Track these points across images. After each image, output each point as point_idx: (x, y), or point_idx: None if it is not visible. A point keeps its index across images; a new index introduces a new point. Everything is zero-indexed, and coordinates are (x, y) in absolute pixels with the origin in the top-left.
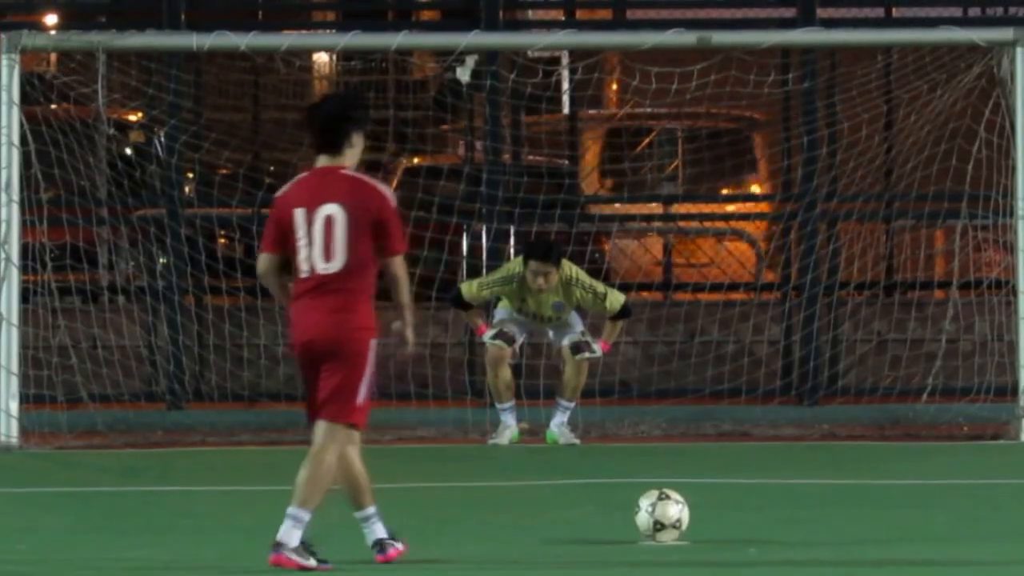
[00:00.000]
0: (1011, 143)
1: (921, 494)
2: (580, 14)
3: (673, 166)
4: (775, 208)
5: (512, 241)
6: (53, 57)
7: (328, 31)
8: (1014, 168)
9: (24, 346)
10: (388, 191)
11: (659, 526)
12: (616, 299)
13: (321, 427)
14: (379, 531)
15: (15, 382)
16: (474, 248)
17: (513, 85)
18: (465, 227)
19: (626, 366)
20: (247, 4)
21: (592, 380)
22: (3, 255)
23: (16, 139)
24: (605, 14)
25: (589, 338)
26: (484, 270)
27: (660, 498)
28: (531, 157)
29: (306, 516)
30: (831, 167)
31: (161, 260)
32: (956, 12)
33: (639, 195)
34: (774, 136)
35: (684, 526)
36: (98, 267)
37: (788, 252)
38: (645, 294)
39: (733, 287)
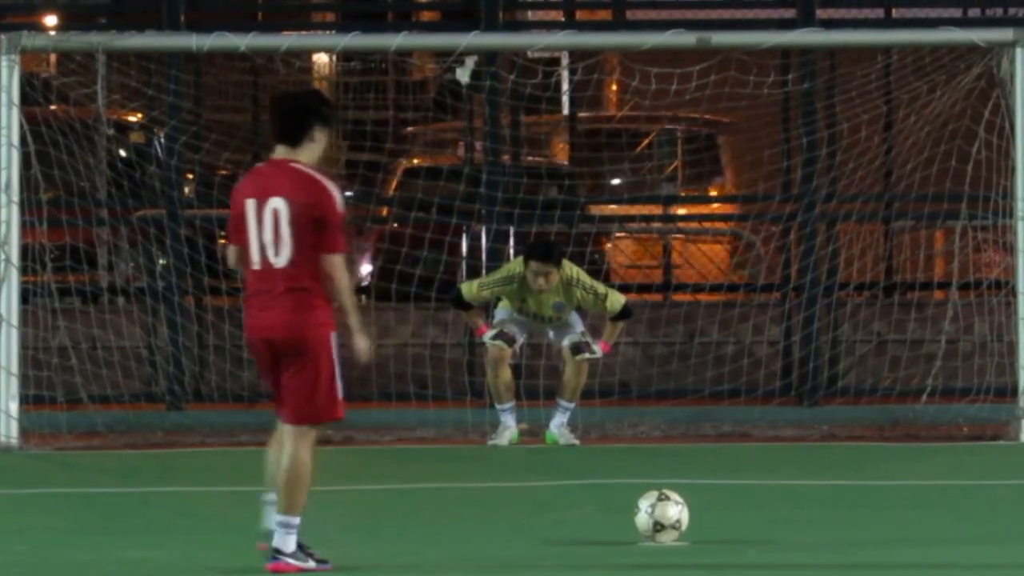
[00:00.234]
0: (1011, 144)
1: (921, 495)
2: (580, 15)
3: (668, 168)
4: (775, 209)
5: (512, 242)
6: (53, 58)
7: (328, 32)
8: (1013, 169)
9: (24, 347)
10: (335, 189)
11: (659, 527)
12: (616, 300)
13: (289, 430)
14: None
15: (15, 383)
16: (473, 249)
17: (513, 86)
18: (465, 228)
19: (626, 367)
20: (247, 5)
21: (592, 381)
22: (3, 256)
23: (16, 140)
24: (605, 15)
25: (589, 339)
26: (484, 271)
27: (660, 499)
28: (530, 158)
29: (295, 521)
30: (831, 168)
31: (161, 261)
32: (956, 13)
33: (601, 197)
34: (752, 138)
35: (684, 527)
36: (98, 268)
37: (788, 253)
38: (646, 295)
39: (733, 288)
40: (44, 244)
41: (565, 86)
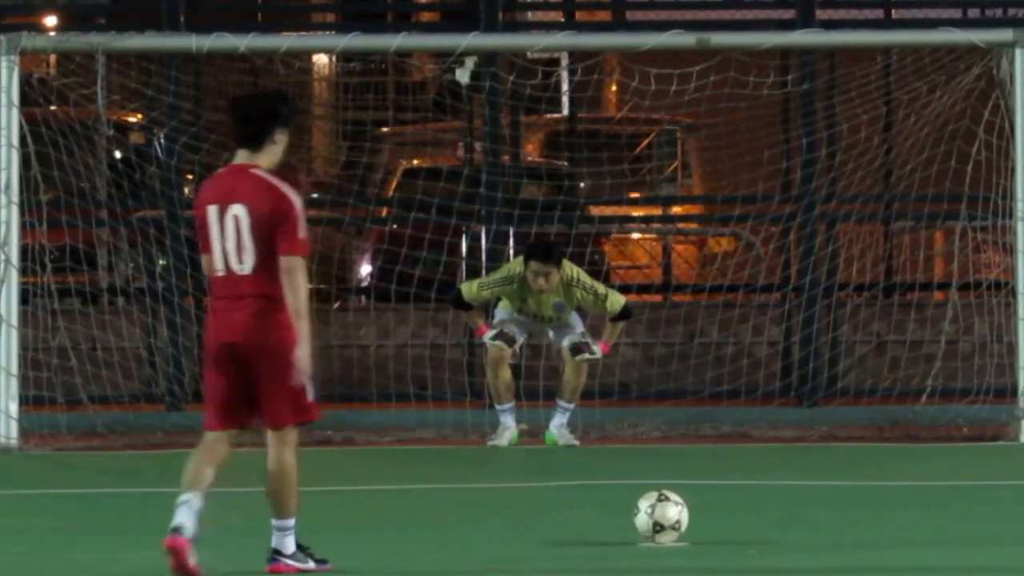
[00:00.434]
0: (1010, 144)
1: (920, 495)
2: (579, 15)
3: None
4: (774, 209)
5: (511, 242)
6: (52, 59)
7: (327, 32)
8: (1013, 169)
9: (24, 348)
10: (293, 193)
11: (658, 528)
12: (616, 300)
13: (271, 435)
14: (189, 521)
15: (15, 384)
16: (473, 249)
17: (512, 86)
18: (464, 228)
19: (626, 367)
20: (246, 5)
21: (592, 381)
22: (3, 257)
23: (16, 141)
24: (604, 15)
25: (589, 339)
26: (483, 271)
27: (659, 500)
28: (530, 159)
29: (291, 523)
30: (830, 168)
31: (161, 262)
32: (955, 13)
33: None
34: (752, 139)
35: (683, 528)
36: (98, 269)
37: (788, 253)
38: (645, 296)
39: (733, 288)
40: (44, 245)
41: (565, 87)
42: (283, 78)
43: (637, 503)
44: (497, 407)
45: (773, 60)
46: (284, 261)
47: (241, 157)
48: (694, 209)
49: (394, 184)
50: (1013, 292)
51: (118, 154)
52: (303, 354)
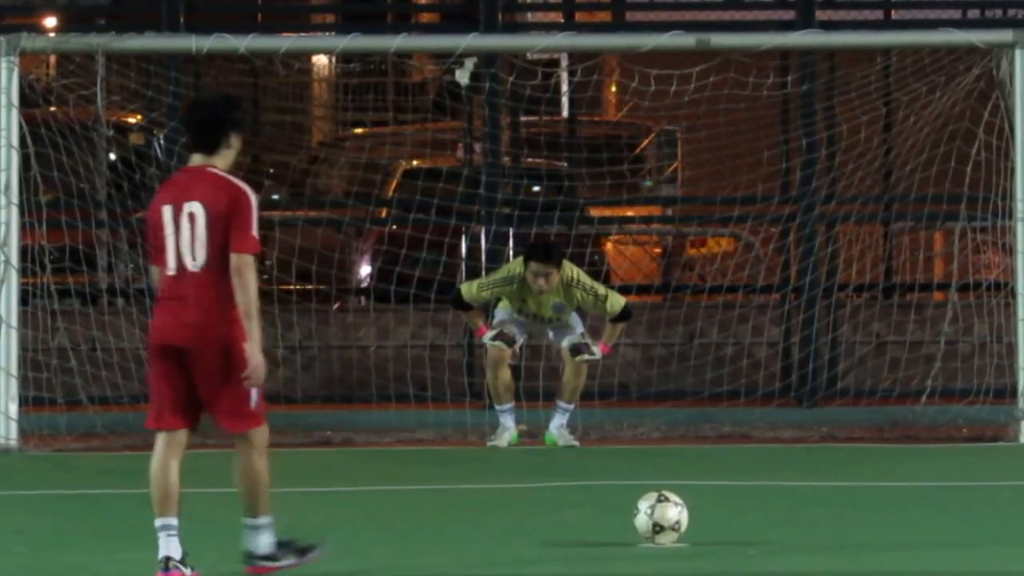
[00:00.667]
0: (1010, 145)
1: (920, 496)
2: (579, 16)
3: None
4: (774, 210)
5: (511, 243)
6: (52, 59)
7: (327, 33)
8: (1013, 170)
9: (23, 348)
10: (249, 190)
11: (658, 528)
12: (616, 301)
13: (237, 439)
14: (173, 548)
15: (14, 384)
16: (473, 250)
17: (512, 87)
18: (464, 229)
19: (625, 368)
20: (246, 6)
21: (591, 382)
22: (3, 257)
23: (15, 141)
24: (604, 16)
25: (589, 340)
26: (483, 272)
27: (659, 500)
28: (529, 160)
29: (262, 521)
30: (830, 169)
31: None
32: (955, 14)
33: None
34: (751, 139)
35: (683, 528)
36: (97, 270)
37: (787, 254)
38: (645, 297)
39: (732, 289)
40: (43, 246)
41: (564, 87)
42: (283, 79)
43: (637, 504)
44: (497, 408)
45: (773, 61)
46: (235, 259)
47: (196, 161)
48: (654, 211)
49: (394, 185)
50: (1013, 293)
51: (122, 154)
52: (254, 353)
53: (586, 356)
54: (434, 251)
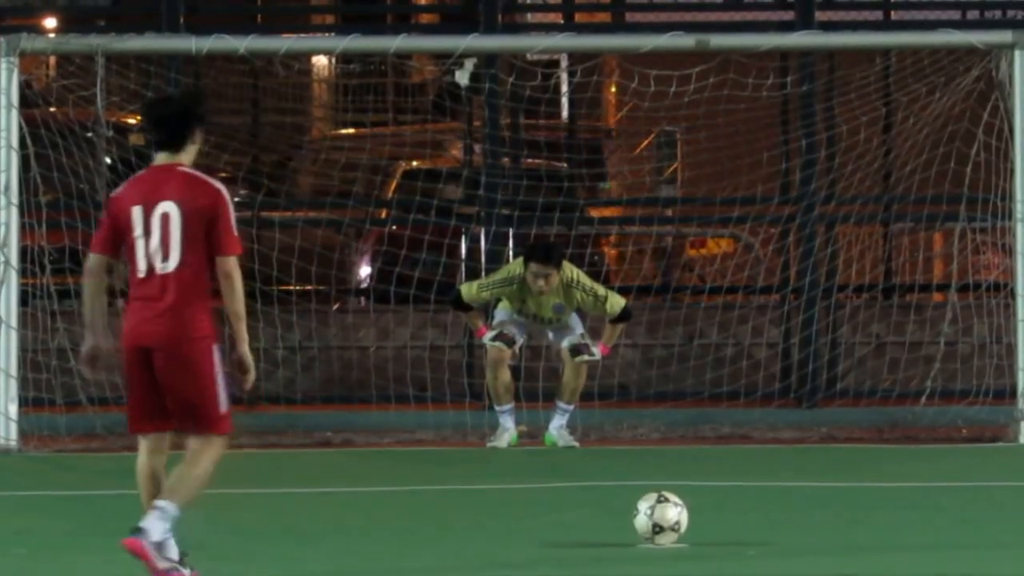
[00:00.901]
0: (1009, 146)
1: (920, 497)
2: (579, 17)
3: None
4: (773, 211)
5: (511, 244)
6: (52, 60)
7: (327, 34)
8: (1012, 171)
9: (23, 349)
10: (224, 189)
11: (658, 529)
12: (616, 302)
13: (193, 438)
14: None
15: (14, 385)
16: (473, 251)
17: (512, 88)
18: (464, 230)
19: (625, 369)
20: (246, 7)
21: (591, 383)
22: (2, 258)
23: (15, 142)
24: (604, 17)
25: (588, 340)
26: (483, 273)
27: (659, 501)
28: (529, 160)
29: (172, 509)
30: (830, 170)
31: None
32: (954, 15)
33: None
34: (750, 140)
35: (683, 529)
36: None
37: (787, 255)
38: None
39: (732, 290)
40: (43, 246)
41: (564, 88)
42: (282, 80)
43: (636, 504)
44: (496, 408)
45: (772, 62)
46: (222, 262)
47: (161, 159)
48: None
49: (393, 185)
50: (1012, 293)
51: (120, 155)
52: (244, 352)
53: (586, 357)
54: (434, 252)
